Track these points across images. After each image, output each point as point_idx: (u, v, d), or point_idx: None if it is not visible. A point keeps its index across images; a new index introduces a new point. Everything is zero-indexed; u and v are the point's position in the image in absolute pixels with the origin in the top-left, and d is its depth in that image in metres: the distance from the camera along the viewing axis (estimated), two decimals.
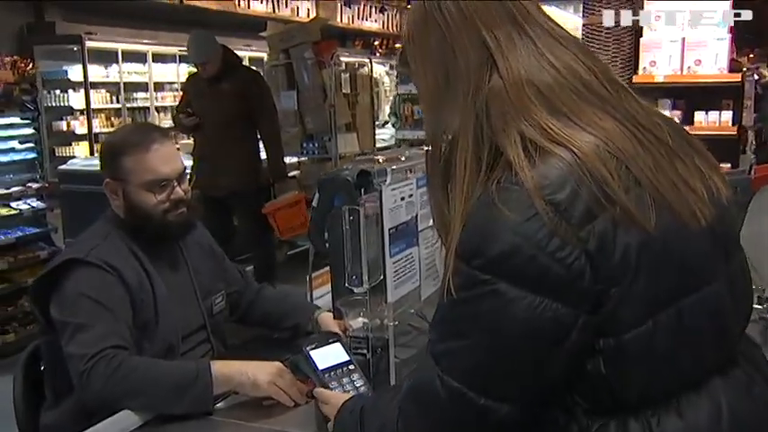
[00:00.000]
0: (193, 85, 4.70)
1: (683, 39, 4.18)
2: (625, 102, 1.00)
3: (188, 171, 4.24)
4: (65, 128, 8.04)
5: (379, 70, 10.49)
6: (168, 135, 1.97)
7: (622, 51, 4.30)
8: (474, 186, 0.97)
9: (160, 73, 9.32)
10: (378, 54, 13.79)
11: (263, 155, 4.73)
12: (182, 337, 1.83)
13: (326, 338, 1.46)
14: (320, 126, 5.60)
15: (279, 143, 4.70)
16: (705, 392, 0.97)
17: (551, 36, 1.02)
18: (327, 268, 1.65)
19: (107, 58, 8.50)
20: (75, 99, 7.98)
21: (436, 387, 0.95)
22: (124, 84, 8.70)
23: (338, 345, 1.45)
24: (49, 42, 7.95)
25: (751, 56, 10.31)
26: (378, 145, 6.47)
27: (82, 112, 8.01)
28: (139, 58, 8.97)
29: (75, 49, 7.84)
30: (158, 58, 9.21)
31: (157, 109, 9.24)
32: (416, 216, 1.59)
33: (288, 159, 5.12)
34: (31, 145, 4.38)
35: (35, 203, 4.31)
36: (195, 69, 4.69)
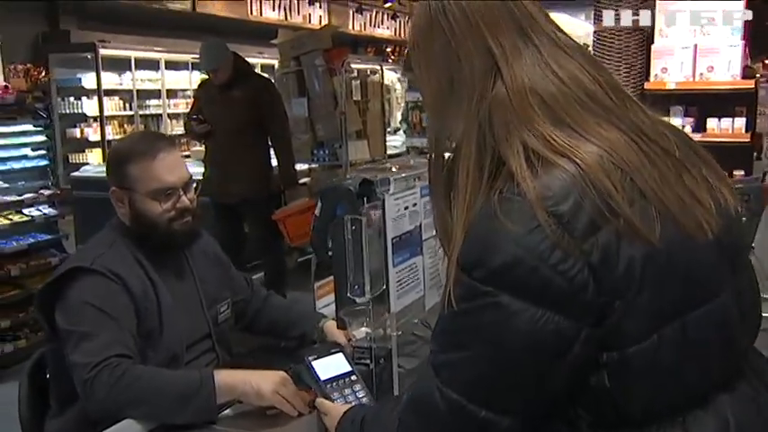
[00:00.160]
0: (205, 92, 4.72)
1: (696, 45, 4.15)
2: (630, 112, 0.99)
3: (199, 178, 4.28)
4: (78, 135, 8.13)
5: (391, 77, 10.48)
6: (174, 144, 1.98)
7: (633, 58, 4.28)
8: (476, 196, 0.96)
9: (173, 80, 9.40)
10: (390, 61, 13.82)
11: (274, 162, 4.74)
12: (186, 346, 1.83)
13: (329, 349, 1.46)
14: (331, 133, 5.60)
15: (290, 150, 4.71)
16: (711, 408, 0.95)
17: (557, 45, 1.01)
18: (333, 277, 1.65)
19: (120, 65, 8.58)
20: (89, 106, 8.06)
21: (436, 399, 0.94)
22: (137, 91, 8.79)
23: (340, 355, 1.44)
24: (64, 50, 8.05)
25: (766, 62, 10.22)
26: (389, 152, 6.47)
27: (95, 119, 8.10)
28: (152, 65, 9.05)
29: (89, 56, 7.93)
30: (171, 65, 9.29)
31: (170, 116, 9.31)
32: (420, 225, 1.58)
33: (298, 166, 5.13)
34: (43, 152, 4.40)
35: (47, 210, 4.33)
36: (207, 76, 4.71)
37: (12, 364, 3.83)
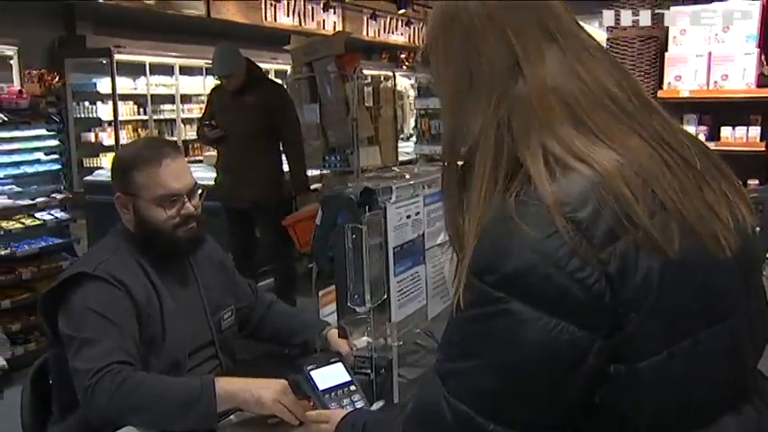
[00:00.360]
0: (218, 98, 4.73)
1: (710, 53, 4.10)
2: (653, 119, 0.96)
3: (208, 183, 4.28)
4: (93, 139, 8.19)
5: (405, 83, 10.50)
6: (180, 150, 1.98)
7: (647, 66, 4.24)
8: (491, 197, 0.92)
9: (187, 85, 9.45)
10: (404, 67, 13.83)
11: (286, 167, 4.74)
12: (189, 352, 1.82)
13: (328, 358, 1.45)
14: (342, 139, 5.60)
15: (302, 156, 4.72)
16: (715, 430, 0.92)
17: (582, 46, 0.97)
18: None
19: (135, 70, 8.64)
20: (104, 111, 8.12)
21: (442, 409, 0.90)
22: (151, 96, 8.83)
23: (340, 365, 1.43)
24: (80, 55, 8.12)
25: None
26: (401, 158, 6.45)
27: (110, 123, 8.15)
28: (167, 70, 9.11)
29: (105, 61, 7.98)
30: (185, 70, 9.34)
31: (184, 121, 9.36)
32: (423, 234, 1.57)
33: (310, 172, 5.13)
34: (56, 156, 4.43)
35: (59, 214, 4.36)
36: (220, 82, 4.73)
37: (22, 367, 3.84)
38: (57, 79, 5.88)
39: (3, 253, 4.02)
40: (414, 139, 7.39)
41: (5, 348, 3.86)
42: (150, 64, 8.75)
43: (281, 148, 4.67)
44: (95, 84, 8.11)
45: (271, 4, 10.83)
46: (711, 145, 3.83)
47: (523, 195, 0.88)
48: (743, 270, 0.96)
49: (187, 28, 9.43)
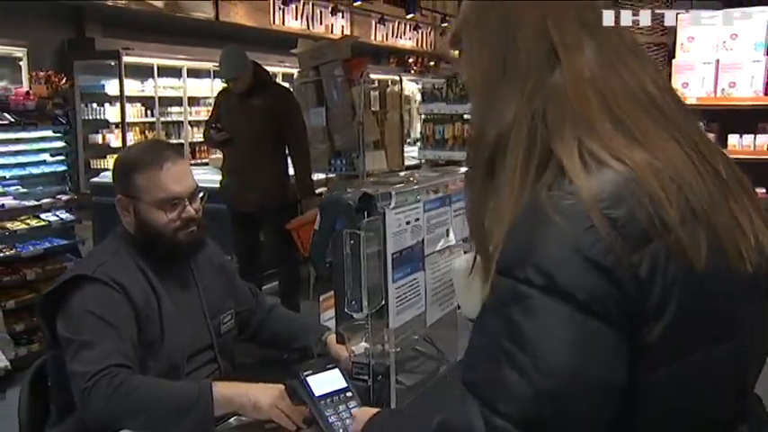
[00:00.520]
0: (224, 101, 4.74)
1: (717, 60, 4.09)
2: (688, 123, 0.94)
3: (214, 186, 4.28)
4: (100, 141, 8.23)
5: (412, 88, 10.50)
6: (181, 153, 1.98)
7: None
8: (523, 189, 0.89)
9: (194, 88, 9.48)
10: (412, 71, 13.84)
11: (292, 171, 4.74)
12: (188, 356, 1.82)
13: (325, 364, 1.44)
14: (348, 143, 5.60)
15: (307, 160, 4.72)
16: None
17: (621, 41, 0.95)
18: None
19: (143, 72, 8.68)
20: (111, 113, 8.16)
21: (478, 427, 0.82)
22: (159, 98, 8.87)
23: (336, 371, 1.42)
24: (88, 57, 8.18)
25: None
26: (407, 163, 6.45)
27: (117, 125, 8.18)
28: (175, 72, 9.15)
29: (113, 63, 8.03)
30: (193, 73, 9.38)
31: (191, 123, 9.39)
32: (423, 240, 1.56)
33: (316, 176, 5.12)
34: (61, 158, 4.45)
35: (64, 215, 4.37)
36: (227, 85, 4.73)
37: (25, 368, 3.80)
38: (64, 81, 5.91)
39: (7, 253, 4.03)
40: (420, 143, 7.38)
41: (9, 349, 3.86)
42: (158, 66, 8.79)
43: (287, 152, 4.67)
44: (104, 85, 8.16)
45: (279, 8, 10.88)
46: None
47: (557, 189, 0.85)
48: (759, 288, 0.93)
49: (195, 31, 9.48)
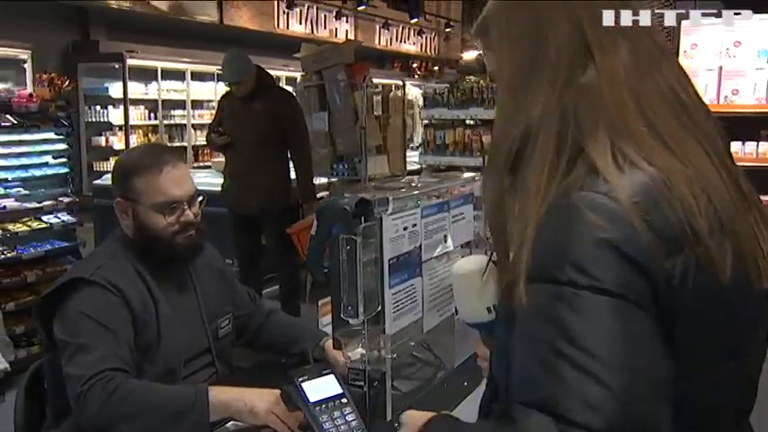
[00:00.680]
0: (227, 104, 4.74)
1: (720, 67, 4.08)
2: (716, 132, 0.92)
3: (217, 189, 4.26)
4: (103, 143, 8.25)
5: (416, 92, 10.50)
6: (181, 157, 1.98)
7: None
8: (552, 188, 0.87)
9: (198, 91, 9.50)
10: (415, 76, 13.86)
11: (294, 175, 4.74)
12: (185, 360, 1.81)
13: (320, 370, 1.44)
14: (351, 148, 5.60)
15: (309, 165, 4.71)
16: None
17: (654, 45, 0.94)
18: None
19: (147, 75, 8.70)
20: (115, 115, 8.18)
21: None
22: (162, 101, 8.89)
23: (331, 377, 1.42)
24: (93, 60, 8.20)
25: None
26: (410, 168, 6.45)
27: (120, 128, 8.19)
28: (178, 76, 9.16)
29: (117, 66, 8.05)
30: (197, 76, 9.40)
31: (194, 126, 9.40)
32: (420, 246, 1.55)
33: (318, 180, 5.12)
34: (63, 160, 4.45)
35: (65, 217, 4.38)
36: (229, 88, 4.74)
37: (24, 370, 3.83)
38: (67, 83, 5.93)
39: (8, 255, 4.03)
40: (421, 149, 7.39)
41: (9, 351, 3.87)
42: (162, 69, 8.81)
43: (289, 156, 4.67)
44: (107, 88, 8.18)
45: (283, 12, 10.90)
46: None
47: (590, 188, 0.83)
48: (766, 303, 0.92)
49: (200, 34, 9.50)
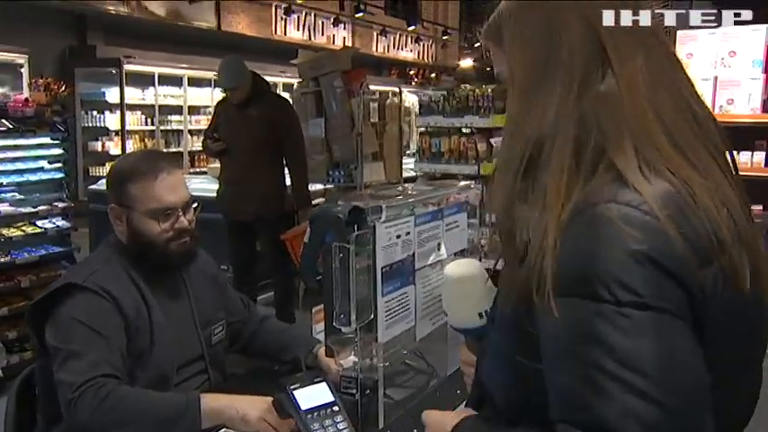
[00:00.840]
0: (223, 111, 4.74)
1: (716, 77, 4.10)
2: (723, 143, 0.91)
3: (213, 195, 4.25)
4: (99, 148, 8.25)
5: (412, 100, 10.52)
6: (176, 164, 1.97)
7: None
8: (572, 193, 0.85)
9: (195, 96, 9.51)
10: (413, 83, 13.88)
11: (289, 181, 4.74)
12: (178, 366, 1.81)
13: (312, 377, 1.43)
14: (347, 154, 5.61)
15: (304, 171, 4.71)
16: None
17: (665, 54, 0.93)
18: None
19: (144, 80, 8.71)
20: (111, 120, 8.19)
21: None
22: (159, 106, 8.90)
23: (323, 385, 1.42)
24: (90, 65, 8.22)
25: None
26: (406, 175, 6.45)
27: (117, 133, 8.20)
28: (175, 81, 9.18)
29: (114, 71, 8.07)
30: (194, 82, 9.41)
31: (191, 132, 9.41)
32: (413, 254, 1.55)
33: (314, 187, 5.12)
34: (59, 165, 4.44)
35: (60, 222, 4.36)
36: (225, 94, 4.74)
37: (17, 376, 3.82)
38: (63, 88, 5.92)
39: (2, 260, 4.01)
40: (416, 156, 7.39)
41: (1, 356, 3.85)
42: (159, 75, 8.83)
43: (284, 162, 4.67)
44: (104, 93, 8.19)
45: (281, 18, 10.92)
46: None
47: (618, 198, 0.82)
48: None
49: (197, 40, 9.51)
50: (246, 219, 4.55)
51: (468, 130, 4.63)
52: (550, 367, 0.84)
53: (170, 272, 1.89)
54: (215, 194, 4.64)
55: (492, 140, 4.48)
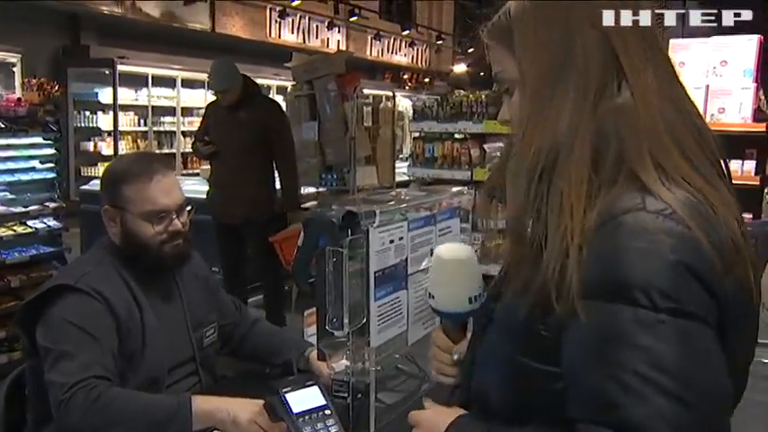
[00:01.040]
0: (213, 113, 4.73)
1: (707, 86, 4.13)
2: (721, 157, 0.93)
3: (203, 197, 4.24)
4: (91, 148, 8.23)
5: (406, 104, 10.55)
6: (171, 166, 1.98)
7: None
8: (592, 201, 0.86)
9: (188, 98, 9.50)
10: (407, 87, 13.91)
11: (279, 184, 4.73)
12: (169, 368, 1.81)
13: (304, 381, 1.43)
14: (340, 158, 5.61)
15: (294, 174, 4.70)
16: None
17: (669, 70, 0.94)
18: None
19: (137, 81, 8.70)
20: (104, 121, 8.17)
21: None
22: (152, 107, 8.89)
23: (315, 388, 1.42)
24: (83, 65, 8.20)
25: None
26: (399, 179, 6.45)
27: (109, 133, 8.19)
28: (169, 82, 9.17)
29: (107, 72, 8.06)
30: (187, 83, 9.41)
31: (184, 133, 9.40)
32: (407, 259, 1.56)
33: (306, 190, 5.11)
34: (51, 165, 4.42)
35: (51, 223, 4.34)
36: (216, 97, 4.73)
37: (6, 376, 3.81)
38: (56, 88, 5.91)
39: None
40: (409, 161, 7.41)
41: None
42: (153, 76, 8.82)
43: (275, 165, 4.66)
44: (97, 93, 8.18)
45: (275, 21, 10.93)
46: None
47: (650, 208, 0.83)
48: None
49: (191, 42, 9.51)
50: (236, 222, 4.54)
51: (461, 136, 4.64)
52: (575, 368, 0.85)
53: (163, 274, 1.89)
54: (204, 196, 4.63)
55: (485, 146, 4.49)
